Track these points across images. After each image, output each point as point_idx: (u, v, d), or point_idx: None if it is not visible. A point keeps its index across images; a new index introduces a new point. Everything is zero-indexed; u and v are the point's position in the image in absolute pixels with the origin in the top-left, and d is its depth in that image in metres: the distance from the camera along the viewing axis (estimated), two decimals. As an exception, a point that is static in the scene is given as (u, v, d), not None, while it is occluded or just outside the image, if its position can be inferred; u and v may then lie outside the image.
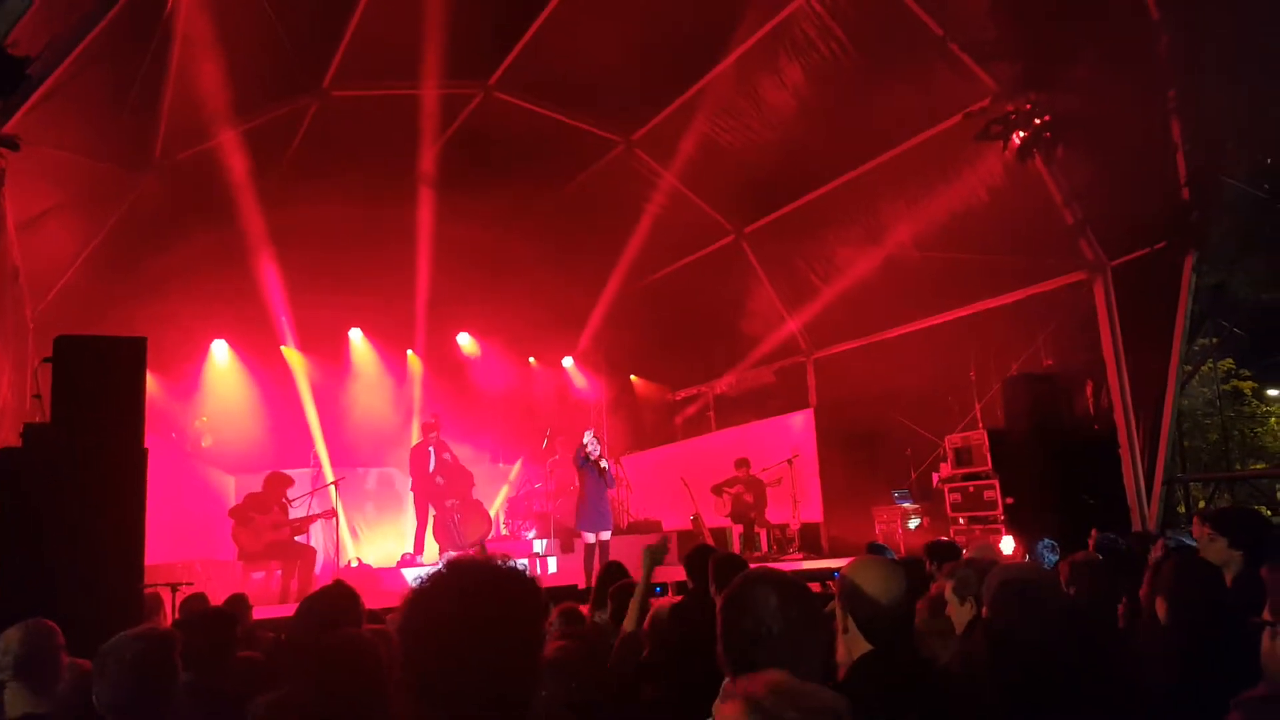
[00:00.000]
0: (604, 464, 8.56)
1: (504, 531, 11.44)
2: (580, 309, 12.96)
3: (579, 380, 14.43)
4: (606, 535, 8.65)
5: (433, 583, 1.44)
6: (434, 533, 10.10)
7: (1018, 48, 7.38)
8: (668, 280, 12.88)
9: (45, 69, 5.47)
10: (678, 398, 14.47)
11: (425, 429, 10.58)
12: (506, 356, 13.63)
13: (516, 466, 13.30)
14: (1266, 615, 1.90)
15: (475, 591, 1.42)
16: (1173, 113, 6.87)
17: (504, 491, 12.78)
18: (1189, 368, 7.72)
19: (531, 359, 14.13)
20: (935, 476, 9.72)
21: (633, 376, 14.71)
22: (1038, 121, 7.22)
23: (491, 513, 11.62)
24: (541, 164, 10.77)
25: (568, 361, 14.35)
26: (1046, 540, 5.58)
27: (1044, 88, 6.99)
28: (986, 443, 8.91)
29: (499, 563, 1.48)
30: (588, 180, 11.40)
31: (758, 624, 1.78)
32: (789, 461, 10.69)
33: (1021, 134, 7.51)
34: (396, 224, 10.61)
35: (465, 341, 13.56)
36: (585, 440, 8.59)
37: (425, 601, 1.41)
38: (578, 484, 8.79)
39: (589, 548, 8.56)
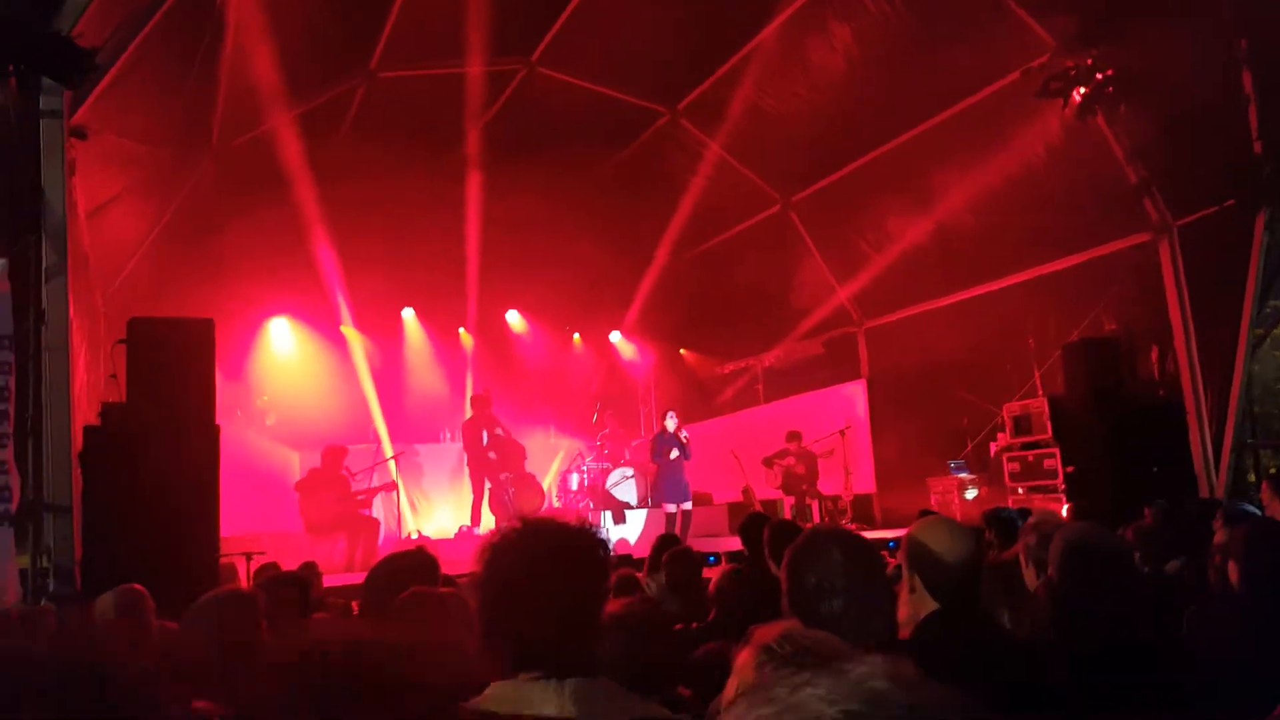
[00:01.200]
0: (684, 436, 9.60)
1: (556, 504, 11.63)
2: (628, 282, 13.01)
3: (627, 352, 14.50)
4: (688, 505, 9.62)
5: (508, 536, 1.52)
6: (489, 505, 10.33)
7: (1077, 0, 7.16)
8: (714, 252, 12.84)
9: (110, 59, 5.65)
10: (726, 370, 14.42)
11: (477, 404, 10.78)
12: (554, 332, 13.77)
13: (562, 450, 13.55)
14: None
15: (548, 543, 1.53)
16: (1243, 63, 6.59)
17: (556, 464, 13.00)
18: (1260, 331, 7.46)
19: (576, 335, 14.22)
20: (993, 446, 9.60)
21: (681, 350, 14.73)
22: (1099, 77, 7.01)
23: (544, 485, 11.84)
24: (587, 138, 10.80)
25: (615, 336, 14.42)
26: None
27: (1105, 41, 6.78)
28: (1047, 410, 8.76)
29: (571, 522, 1.56)
30: (634, 152, 11.41)
31: (822, 579, 1.82)
32: (841, 433, 10.65)
33: (1082, 90, 7.30)
34: (446, 202, 10.80)
35: (514, 319, 13.73)
36: (666, 421, 9.74)
37: (501, 554, 1.50)
38: (657, 460, 9.70)
39: (669, 517, 9.52)
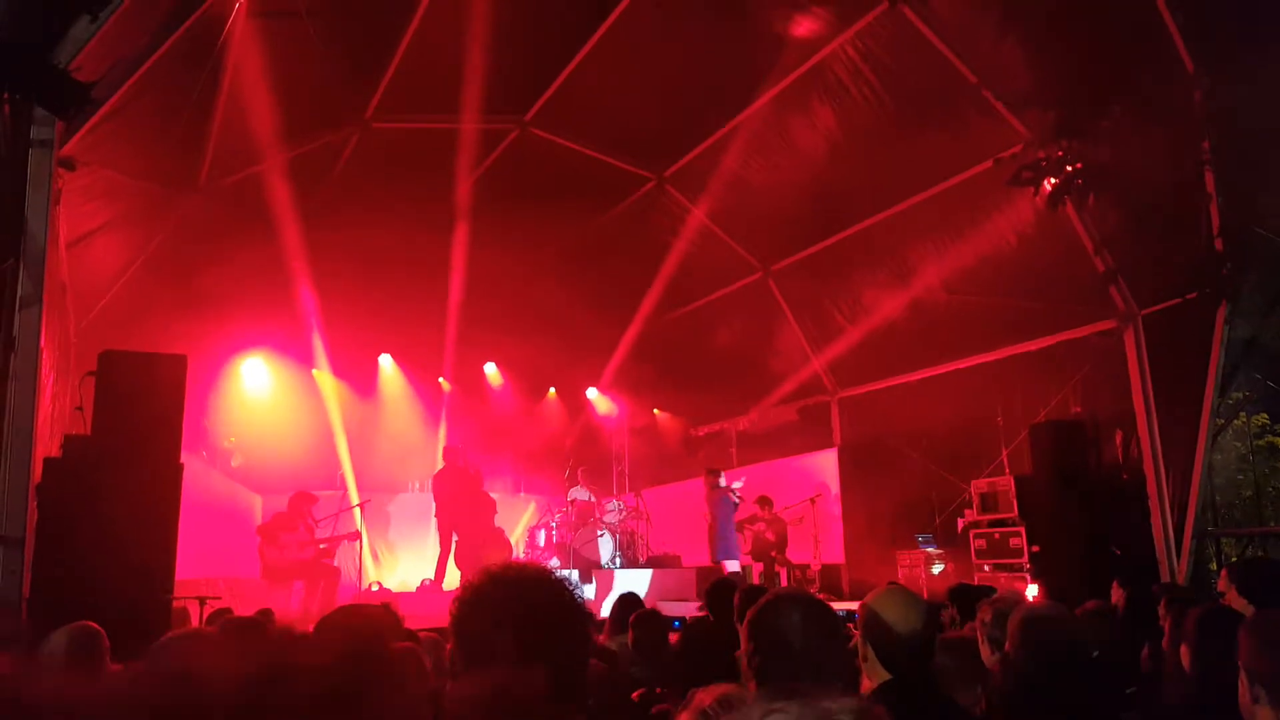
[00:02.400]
0: (736, 488, 10.06)
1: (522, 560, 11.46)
2: (606, 341, 13.10)
3: (603, 409, 14.51)
4: (736, 565, 9.77)
5: (487, 578, 1.50)
6: (456, 560, 10.17)
7: (1050, 96, 7.48)
8: (694, 315, 13.01)
9: (106, 93, 5.72)
10: (700, 433, 14.49)
11: (449, 455, 10.70)
12: (531, 386, 13.79)
13: (534, 500, 13.42)
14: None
15: (531, 586, 1.51)
16: (1206, 164, 6.90)
17: (524, 521, 12.82)
18: (1221, 421, 7.64)
19: (551, 390, 14.22)
20: (960, 522, 9.66)
21: (656, 410, 14.78)
22: (1069, 169, 7.28)
23: (512, 541, 11.69)
24: (574, 198, 10.97)
25: (592, 393, 14.44)
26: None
27: (1076, 136, 7.07)
28: (1013, 489, 8.87)
29: (544, 570, 1.55)
30: (619, 215, 11.59)
31: (780, 638, 1.83)
32: (811, 500, 10.67)
33: (1053, 181, 7.58)
34: (430, 253, 10.85)
35: (491, 371, 13.72)
36: (720, 478, 10.05)
37: (481, 594, 1.48)
38: (710, 516, 9.97)
39: (734, 574, 9.65)
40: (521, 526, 12.72)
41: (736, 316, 12.57)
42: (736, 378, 12.94)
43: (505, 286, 11.81)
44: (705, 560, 11.25)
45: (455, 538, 10.22)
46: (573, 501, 11.64)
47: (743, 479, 9.88)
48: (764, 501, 10.73)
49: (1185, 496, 7.54)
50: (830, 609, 1.97)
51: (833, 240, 10.69)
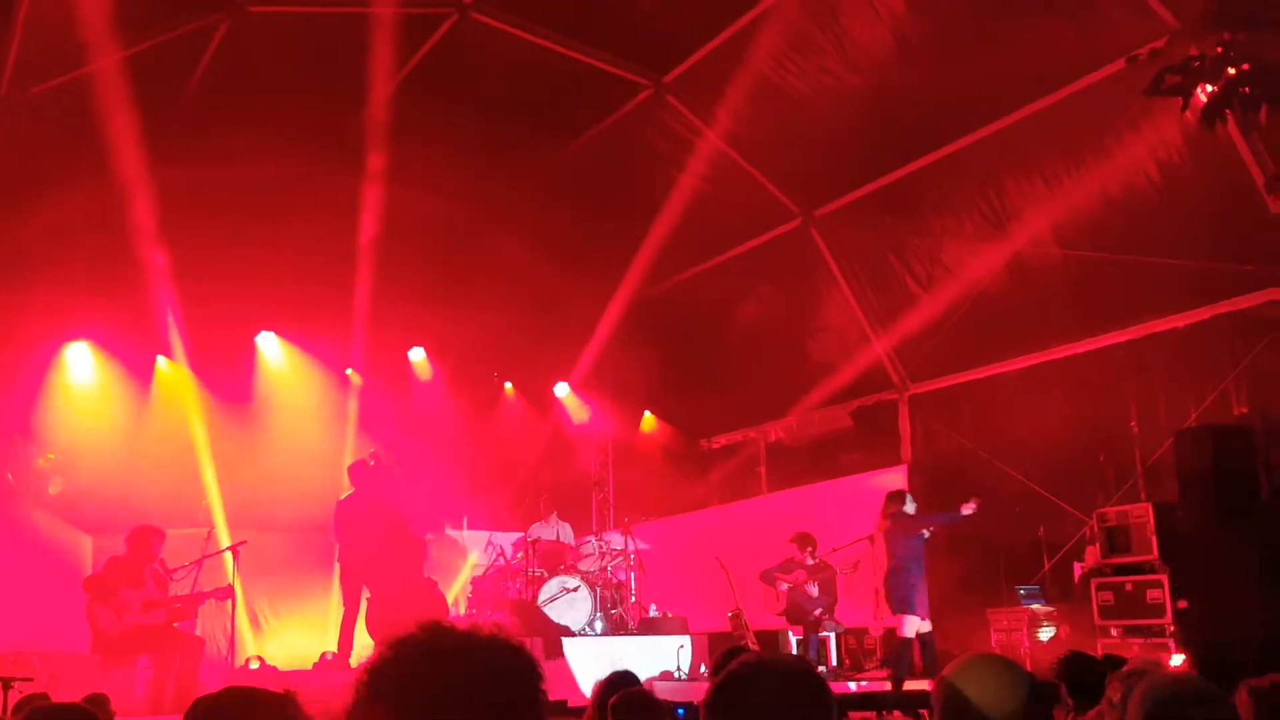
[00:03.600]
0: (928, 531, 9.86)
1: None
2: (584, 317, 13.09)
3: (579, 412, 14.53)
4: (923, 625, 9.48)
5: (408, 651, 1.48)
6: (368, 624, 10.17)
7: (1206, -35, 7.49)
8: (704, 281, 13.00)
9: None
10: (714, 446, 14.47)
11: (359, 476, 10.67)
12: (476, 380, 13.78)
13: (482, 537, 13.40)
14: None
15: (472, 662, 1.50)
16: None
17: (467, 568, 12.82)
18: None
19: (508, 385, 14.23)
20: (1078, 567, 9.71)
21: (647, 414, 14.83)
22: (1232, 71, 7.26)
23: (450, 598, 11.66)
24: (535, 115, 10.96)
25: (562, 390, 14.46)
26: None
27: (1243, 24, 7.04)
28: (1152, 520, 8.91)
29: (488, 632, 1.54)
30: (598, 139, 11.56)
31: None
32: (870, 540, 10.65)
33: (1209, 88, 7.56)
34: (332, 194, 10.82)
35: (419, 359, 13.70)
36: (905, 502, 9.85)
37: (397, 673, 1.47)
38: (888, 556, 9.81)
39: (906, 643, 9.37)
40: (463, 576, 12.68)
41: (765, 281, 12.57)
42: (765, 368, 12.97)
43: (439, 241, 11.78)
44: (721, 623, 11.27)
45: (367, 593, 10.20)
46: (535, 541, 11.64)
47: (973, 503, 9.57)
48: (804, 541, 10.75)
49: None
50: (820, 681, 1.98)
51: (901, 173, 10.71)
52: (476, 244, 11.97)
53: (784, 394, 13.04)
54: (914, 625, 9.35)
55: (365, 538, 10.30)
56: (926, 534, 9.76)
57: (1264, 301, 8.77)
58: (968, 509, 9.44)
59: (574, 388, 14.43)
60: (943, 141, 10.20)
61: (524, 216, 11.75)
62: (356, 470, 10.82)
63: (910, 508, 9.82)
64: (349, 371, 13.09)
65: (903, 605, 9.43)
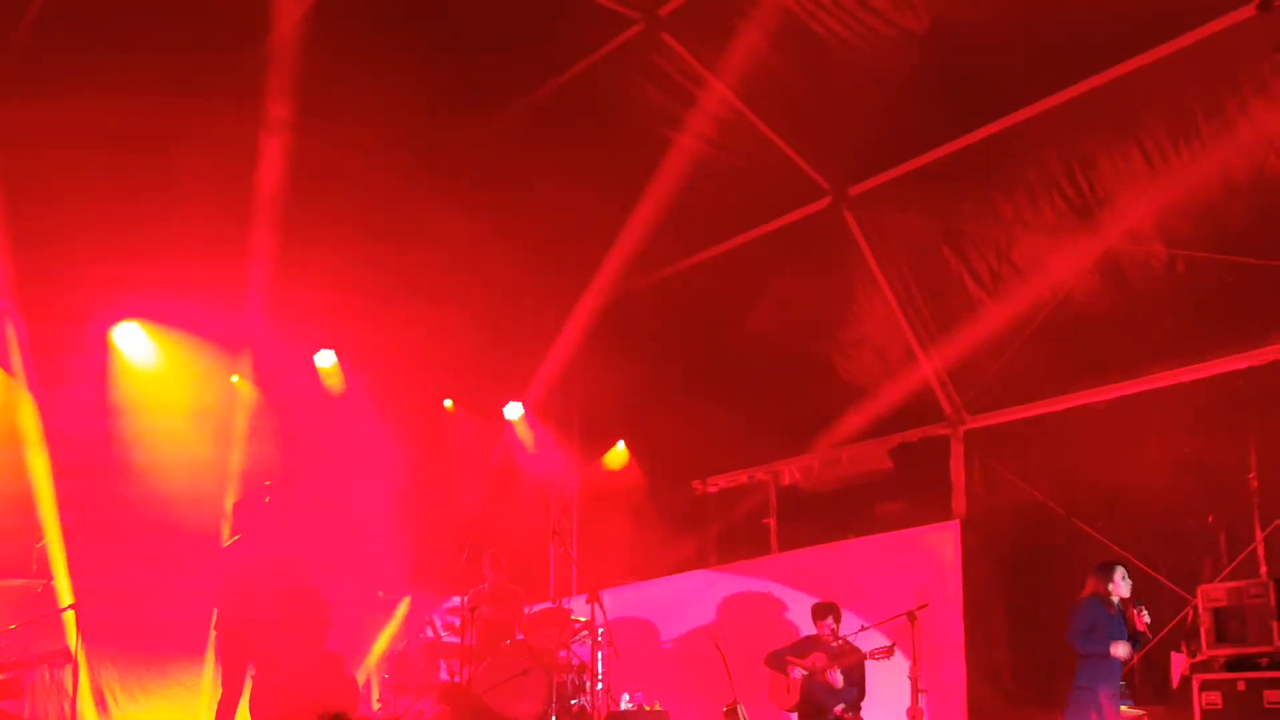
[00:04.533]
0: (1146, 618, 9.07)
1: (375, 708, 11.42)
2: (546, 318, 13.14)
3: (534, 445, 14.53)
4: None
5: None
6: (251, 711, 10.11)
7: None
8: (703, 275, 13.03)
9: None
10: (710, 490, 14.47)
11: (247, 517, 10.61)
12: (405, 394, 13.75)
13: (405, 601, 13.34)
14: None
15: None
16: None
17: (383, 639, 12.80)
18: None
19: (448, 403, 14.21)
20: (1176, 659, 9.71)
21: (620, 446, 14.82)
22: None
23: (360, 677, 11.59)
24: (489, 55, 10.91)
25: (514, 411, 14.43)
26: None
27: None
28: (1273, 602, 8.93)
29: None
30: (571, 87, 11.51)
31: None
32: (911, 615, 10.63)
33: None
34: (216, 143, 10.74)
35: (328, 365, 13.64)
36: (1115, 577, 9.13)
37: None
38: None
39: None
40: (377, 650, 12.67)
41: (782, 278, 12.59)
42: (779, 391, 13.05)
43: (361, 215, 11.75)
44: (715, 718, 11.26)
45: (252, 671, 10.14)
46: (475, 609, 11.62)
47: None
48: (825, 613, 10.71)
49: None
50: None
51: (961, 143, 10.75)
52: (408, 218, 11.90)
53: (803, 425, 13.08)
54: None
55: (253, 598, 10.22)
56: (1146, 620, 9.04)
57: None
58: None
59: (530, 409, 14.37)
60: (1017, 104, 10.23)
61: (473, 185, 11.68)
62: (244, 510, 10.74)
63: (1119, 587, 9.14)
64: (235, 380, 13.01)
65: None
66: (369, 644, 12.76)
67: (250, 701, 10.10)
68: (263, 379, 13.08)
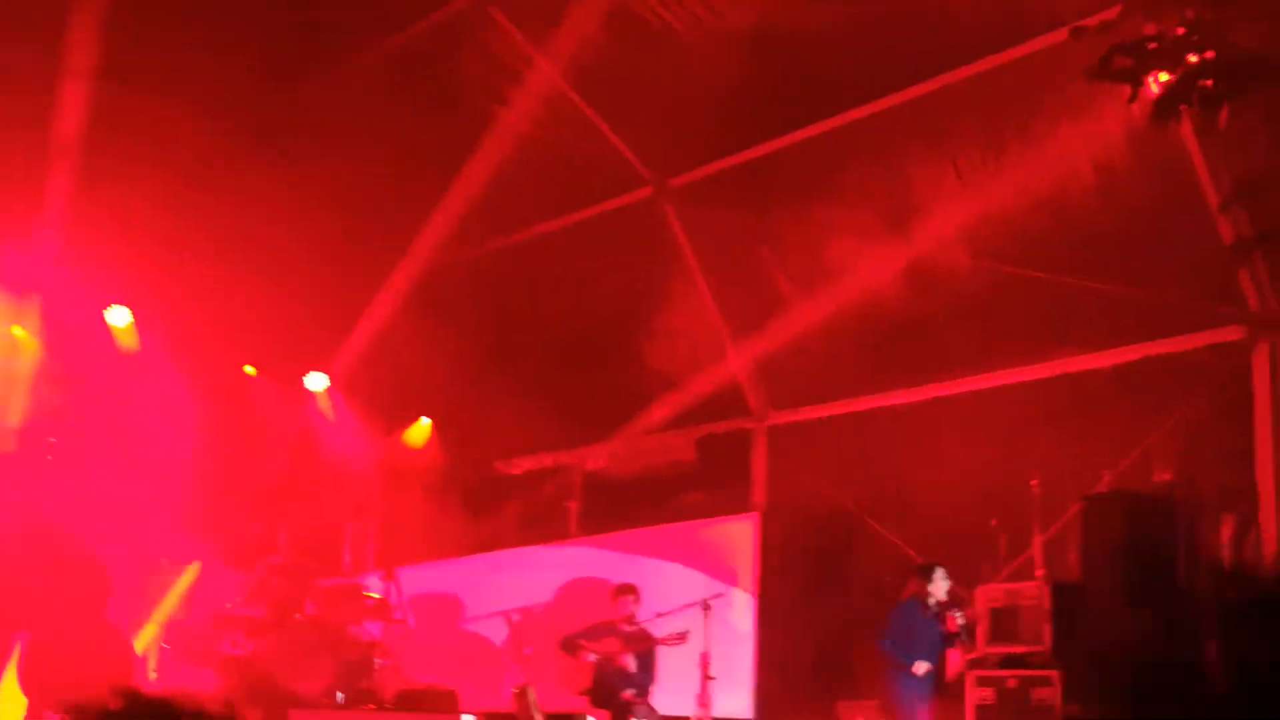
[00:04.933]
0: (960, 619, 9.39)
1: (153, 677, 11.14)
2: (353, 290, 12.96)
3: (335, 418, 14.29)
4: None
5: None
6: (20, 681, 9.78)
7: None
8: (519, 254, 13.02)
9: None
10: (514, 472, 14.42)
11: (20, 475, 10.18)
12: (203, 357, 13.32)
13: (192, 569, 13.08)
14: None
15: None
16: None
17: (164, 608, 12.50)
18: None
19: (250, 369, 13.90)
20: (953, 655, 9.91)
21: (424, 421, 14.69)
22: (1194, 59, 7.56)
23: (138, 648, 11.26)
24: (313, 9, 10.75)
25: (316, 381, 14.18)
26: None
27: (1212, 2, 7.34)
28: (1048, 602, 9.18)
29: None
30: (394, 54, 11.38)
31: None
32: (705, 605, 10.71)
33: (1164, 77, 7.85)
34: (10, 82, 10.35)
35: (121, 322, 13.15)
36: (934, 578, 9.44)
37: None
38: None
39: None
40: (159, 618, 12.31)
41: (599, 264, 12.58)
42: (589, 375, 13.00)
43: (165, 168, 11.40)
44: (505, 702, 11.16)
45: (19, 644, 9.75)
46: (264, 582, 11.35)
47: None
48: (625, 594, 10.77)
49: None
50: None
51: (783, 142, 10.90)
52: (219, 178, 11.56)
53: (610, 412, 13.09)
54: None
55: (22, 561, 9.81)
56: (959, 623, 9.39)
57: (1199, 347, 9.21)
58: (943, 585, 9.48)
59: (335, 380, 14.11)
60: (838, 109, 10.40)
61: (287, 147, 11.38)
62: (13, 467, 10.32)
63: (936, 588, 9.47)
64: (15, 330, 12.46)
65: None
66: (148, 612, 12.27)
67: (19, 673, 9.73)
68: (50, 331, 12.53)
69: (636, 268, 12.46)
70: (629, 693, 10.48)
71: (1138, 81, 7.96)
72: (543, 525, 13.85)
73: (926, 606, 9.50)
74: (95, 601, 10.40)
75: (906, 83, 9.96)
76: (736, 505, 12.12)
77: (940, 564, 9.65)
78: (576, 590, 11.80)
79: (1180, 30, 7.74)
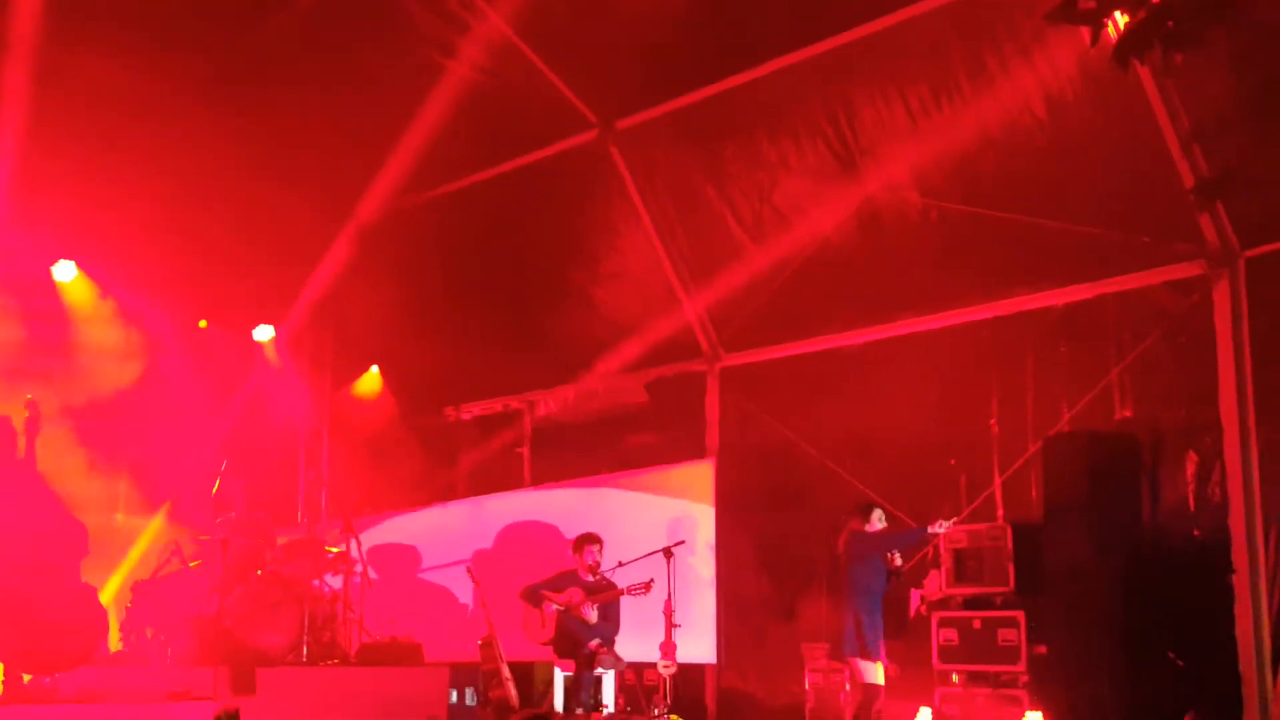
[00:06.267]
0: (898, 559, 9.49)
1: (116, 647, 10.94)
2: (301, 239, 12.64)
3: (285, 370, 14.05)
4: (876, 674, 9.29)
5: None
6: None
7: None
8: (467, 200, 12.74)
9: None
10: (464, 418, 14.29)
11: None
12: (153, 314, 13.02)
13: (156, 519, 12.70)
14: None
15: None
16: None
17: (126, 565, 12.23)
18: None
19: (202, 322, 13.60)
20: (916, 595, 9.95)
21: (374, 370, 14.50)
22: (1154, 2, 7.34)
23: (105, 600, 10.79)
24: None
25: (264, 332, 13.87)
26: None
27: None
28: (1009, 545, 9.13)
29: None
30: (335, 4, 10.85)
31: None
32: (666, 552, 10.60)
33: (1124, 20, 7.62)
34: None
35: (67, 276, 12.74)
36: (871, 519, 9.50)
37: None
38: (847, 585, 9.52)
39: (874, 690, 9.19)
40: (119, 576, 12.11)
41: (546, 208, 12.40)
42: (538, 321, 12.80)
43: (107, 118, 10.99)
44: (470, 652, 11.00)
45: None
46: (226, 538, 11.07)
47: (943, 524, 9.19)
48: (586, 544, 10.70)
49: (1296, 570, 8.06)
50: None
51: (730, 83, 10.63)
52: (164, 128, 11.19)
53: (561, 355, 12.98)
54: (870, 675, 9.20)
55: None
56: (898, 562, 9.44)
57: (1160, 282, 9.09)
58: (937, 528, 9.27)
59: (285, 331, 13.82)
60: (785, 48, 10.13)
61: (233, 96, 11.01)
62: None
63: (876, 523, 9.55)
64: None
65: (864, 649, 9.27)
66: (109, 571, 12.05)
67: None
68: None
69: (585, 212, 12.32)
70: (594, 643, 10.44)
71: (1097, 24, 7.72)
72: (495, 472, 13.79)
73: (869, 543, 9.45)
74: (71, 563, 10.12)
75: (855, 21, 9.65)
76: (691, 449, 12.02)
77: (875, 504, 9.67)
78: (537, 539, 11.62)
79: (1145, -28, 7.52)
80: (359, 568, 11.66)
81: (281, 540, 11.89)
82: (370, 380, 14.44)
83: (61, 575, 9.89)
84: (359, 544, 11.79)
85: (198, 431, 13.24)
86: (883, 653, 9.26)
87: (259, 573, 11.11)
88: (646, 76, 11.06)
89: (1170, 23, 7.38)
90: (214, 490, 11.76)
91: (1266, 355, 8.43)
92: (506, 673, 10.59)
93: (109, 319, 12.91)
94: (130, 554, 12.28)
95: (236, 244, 12.23)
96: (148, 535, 12.51)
